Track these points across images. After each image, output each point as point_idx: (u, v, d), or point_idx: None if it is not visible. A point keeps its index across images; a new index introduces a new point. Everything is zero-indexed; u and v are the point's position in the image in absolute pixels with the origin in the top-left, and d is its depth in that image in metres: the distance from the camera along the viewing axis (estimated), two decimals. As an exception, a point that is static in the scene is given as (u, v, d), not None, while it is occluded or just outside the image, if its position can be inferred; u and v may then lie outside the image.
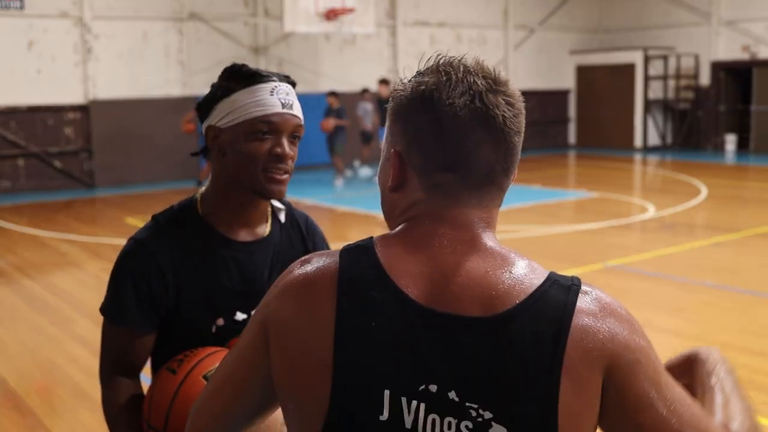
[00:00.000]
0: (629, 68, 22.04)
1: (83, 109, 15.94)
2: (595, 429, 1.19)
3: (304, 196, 13.74)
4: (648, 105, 22.05)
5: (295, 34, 17.54)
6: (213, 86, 2.00)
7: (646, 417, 1.18)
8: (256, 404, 1.36)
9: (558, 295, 1.18)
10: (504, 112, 1.26)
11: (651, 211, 12.20)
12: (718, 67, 21.52)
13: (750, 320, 6.85)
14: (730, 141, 21.23)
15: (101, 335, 2.05)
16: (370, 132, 16.71)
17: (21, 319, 7.26)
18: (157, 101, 16.63)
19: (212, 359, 1.89)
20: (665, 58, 22.09)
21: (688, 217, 11.86)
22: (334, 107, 16.04)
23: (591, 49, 23.29)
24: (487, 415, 1.14)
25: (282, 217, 2.11)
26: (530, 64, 22.58)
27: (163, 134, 16.66)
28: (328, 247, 2.20)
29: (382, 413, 1.17)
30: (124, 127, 16.26)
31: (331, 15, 16.44)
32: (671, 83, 22.36)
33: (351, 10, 16.64)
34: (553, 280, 1.20)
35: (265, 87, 1.93)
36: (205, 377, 1.86)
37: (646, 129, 22.20)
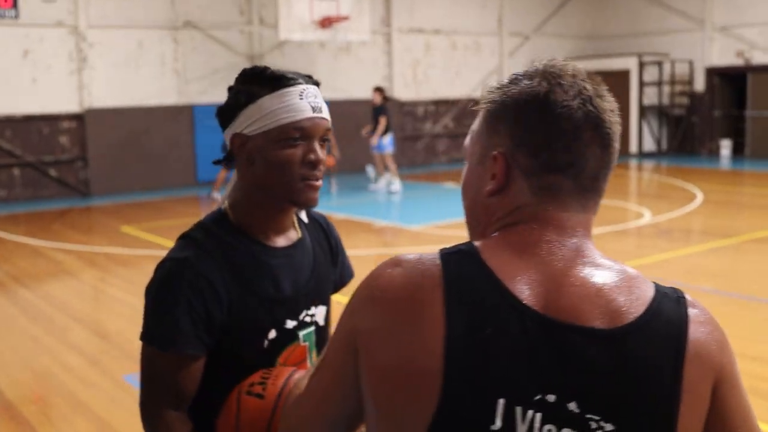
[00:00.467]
0: (624, 74, 22.08)
1: (78, 117, 15.93)
2: None
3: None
4: (643, 111, 22.09)
5: (290, 42, 17.56)
6: (233, 91, 1.93)
7: (746, 428, 1.23)
8: (344, 419, 1.31)
9: (671, 308, 1.20)
10: (610, 117, 1.26)
11: (647, 217, 12.21)
12: (712, 73, 21.57)
13: (747, 325, 6.86)
14: (725, 146, 21.27)
15: (145, 367, 1.85)
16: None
17: (16, 328, 7.24)
18: (152, 110, 16.63)
19: (299, 376, 1.75)
20: (660, 64, 22.14)
21: (684, 223, 11.87)
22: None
23: (586, 56, 23.33)
24: (608, 427, 1.13)
25: (305, 218, 2.07)
26: (525, 70, 22.58)
27: (159, 143, 16.66)
28: (342, 246, 2.17)
29: (494, 422, 1.14)
30: (120, 135, 16.25)
31: (326, 23, 16.46)
32: (666, 89, 22.41)
33: (346, 18, 16.66)
34: (662, 292, 1.22)
35: (293, 90, 1.85)
36: None
37: (642, 135, 22.24)
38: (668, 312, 1.18)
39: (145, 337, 1.83)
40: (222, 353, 1.86)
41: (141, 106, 16.52)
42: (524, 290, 1.17)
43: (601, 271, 1.21)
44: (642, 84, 21.90)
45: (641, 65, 21.83)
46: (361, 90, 18.88)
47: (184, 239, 1.90)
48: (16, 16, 15.17)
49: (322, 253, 2.05)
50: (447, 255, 1.22)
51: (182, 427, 1.82)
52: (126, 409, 5.25)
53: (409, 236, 11.17)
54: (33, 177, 15.66)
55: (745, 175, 18.25)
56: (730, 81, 21.66)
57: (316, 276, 2.01)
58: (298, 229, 2.01)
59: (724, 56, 21.30)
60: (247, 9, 17.82)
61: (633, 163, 20.98)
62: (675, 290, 1.23)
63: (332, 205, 13.99)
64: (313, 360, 1.97)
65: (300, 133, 1.84)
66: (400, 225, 12.25)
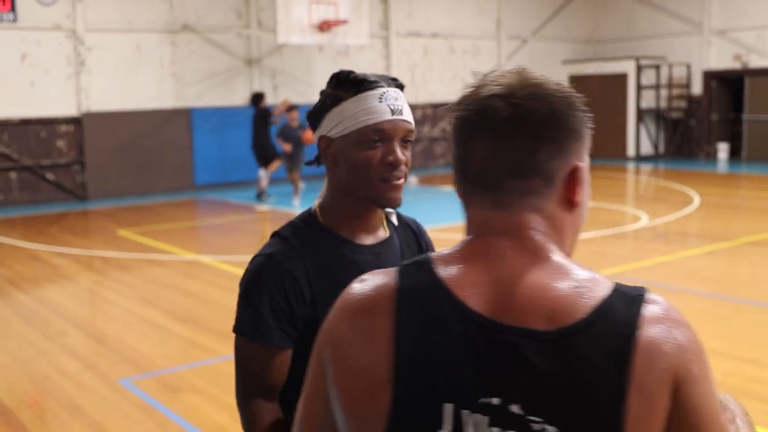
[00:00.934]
0: (622, 78, 22.11)
1: (76, 121, 15.92)
2: None
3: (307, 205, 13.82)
4: (640, 114, 22.11)
5: (288, 46, 17.56)
6: (322, 94, 1.99)
7: (712, 428, 1.16)
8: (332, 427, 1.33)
9: (623, 306, 1.16)
10: (514, 108, 1.23)
11: (644, 220, 12.22)
12: (709, 77, 21.60)
13: (743, 329, 6.86)
14: (723, 150, 21.29)
15: (237, 357, 1.95)
16: None
17: (13, 332, 7.23)
18: (150, 113, 16.63)
19: None
20: (657, 67, 22.17)
21: (681, 226, 11.88)
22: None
23: (583, 59, 23.36)
24: (551, 429, 1.12)
25: (395, 220, 2.11)
26: (523, 74, 22.61)
27: (157, 146, 16.66)
28: (434, 249, 2.17)
29: (442, 427, 1.16)
30: (117, 139, 16.25)
31: (325, 27, 16.47)
32: (663, 92, 22.43)
33: (344, 22, 16.67)
34: (619, 291, 1.19)
35: (374, 94, 1.91)
36: None
37: (639, 138, 22.25)
38: (619, 312, 1.15)
39: (235, 327, 1.94)
40: (308, 347, 1.92)
41: (139, 110, 16.52)
42: (471, 296, 1.18)
43: (549, 272, 1.20)
44: (639, 87, 21.92)
45: (639, 68, 21.85)
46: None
47: (274, 237, 1.99)
48: (14, 19, 15.17)
49: (411, 253, 2.09)
50: (404, 267, 1.26)
51: (269, 415, 1.91)
52: (122, 413, 5.25)
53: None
54: (30, 181, 15.65)
55: (742, 179, 18.27)
56: (728, 85, 21.69)
57: None
58: (387, 229, 2.06)
59: (721, 60, 21.33)
60: (245, 12, 17.82)
61: (630, 166, 21.00)
62: (637, 289, 1.19)
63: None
64: None
65: (379, 135, 1.90)
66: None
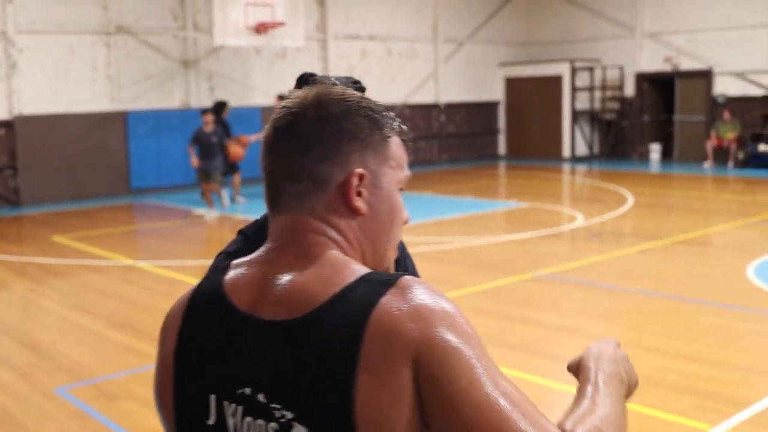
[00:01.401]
0: (557, 80, 22.43)
1: (8, 125, 15.58)
2: (416, 427, 1.13)
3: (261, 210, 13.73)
4: (575, 116, 22.45)
5: (225, 48, 17.43)
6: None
7: (465, 414, 1.09)
8: None
9: (364, 292, 1.16)
10: (281, 123, 1.31)
11: (580, 220, 12.41)
12: (642, 79, 22.03)
13: (676, 324, 7.02)
14: (655, 150, 21.73)
15: None
16: None
17: (-56, 341, 7.06)
18: (84, 116, 16.35)
19: None
20: (591, 69, 22.53)
21: (615, 226, 12.09)
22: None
23: (519, 62, 23.63)
24: (289, 415, 1.16)
25: None
26: (460, 76, 22.82)
27: (92, 150, 16.39)
28: (413, 264, 2.17)
29: (209, 418, 1.25)
30: (51, 143, 15.94)
31: (261, 29, 16.40)
32: (597, 94, 22.81)
33: (281, 24, 16.62)
34: (367, 279, 1.18)
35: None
36: None
37: (574, 139, 22.60)
38: (358, 297, 1.15)
39: None
40: None
41: (72, 113, 16.23)
42: (240, 297, 1.26)
43: (309, 269, 1.23)
44: (574, 89, 22.26)
45: (573, 71, 22.19)
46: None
47: (239, 234, 2.03)
48: (-59, 21, 14.79)
49: None
50: (205, 276, 1.39)
51: None
52: (57, 423, 5.16)
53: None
54: (-40, 186, 15.27)
55: (674, 178, 18.67)
56: (659, 86, 22.16)
57: None
58: None
59: (653, 62, 21.77)
60: (181, 14, 17.65)
61: (566, 167, 21.30)
62: (392, 275, 1.19)
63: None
64: None
65: None
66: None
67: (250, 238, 1.98)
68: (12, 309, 8.31)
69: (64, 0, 16.05)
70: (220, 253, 1.99)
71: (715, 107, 20.54)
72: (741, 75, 20.17)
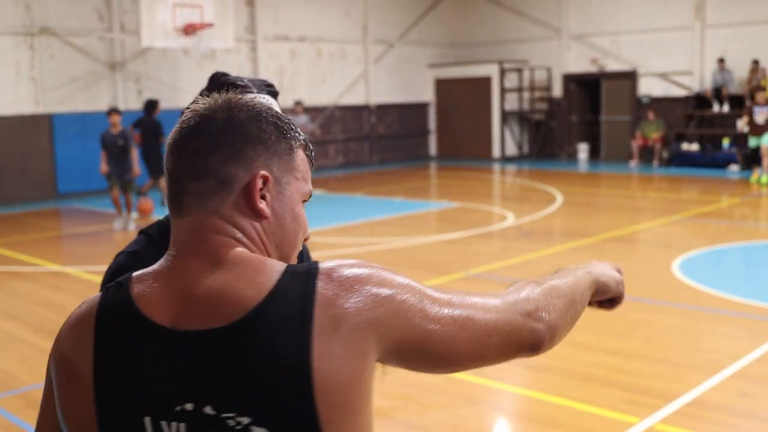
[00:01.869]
0: (486, 81, 22.66)
1: (-73, 128, 15.14)
2: (370, 392, 1.21)
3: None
4: (505, 116, 22.72)
5: (153, 49, 17.21)
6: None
7: (434, 345, 1.24)
8: None
9: (296, 285, 1.19)
10: (188, 123, 1.31)
11: (510, 220, 12.56)
12: (569, 80, 22.41)
13: (605, 321, 7.14)
14: (583, 150, 22.12)
15: None
16: None
17: None
18: (7, 119, 15.97)
19: None
20: (520, 71, 22.83)
21: (545, 224, 12.28)
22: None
23: (449, 63, 23.82)
24: (245, 420, 1.16)
25: None
26: (390, 77, 22.91)
27: (16, 153, 16.01)
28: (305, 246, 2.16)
29: None
30: (-27, 147, 15.53)
31: (190, 30, 16.22)
32: (526, 95, 23.13)
33: (210, 25, 16.47)
34: (290, 272, 1.22)
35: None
36: None
37: (504, 139, 22.86)
38: (292, 291, 1.18)
39: None
40: None
41: (-5, 116, 15.85)
42: (156, 312, 1.22)
43: (225, 271, 1.23)
44: (503, 90, 22.52)
45: (502, 72, 22.45)
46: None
47: (140, 235, 1.98)
48: None
49: None
50: (107, 288, 1.30)
51: None
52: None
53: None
54: None
55: (601, 177, 19.03)
56: (586, 87, 22.57)
57: None
58: None
59: (579, 63, 22.16)
60: (107, 15, 17.35)
61: (496, 167, 21.54)
62: (311, 265, 1.23)
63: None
64: None
65: None
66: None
67: (153, 239, 1.94)
68: (-65, 318, 8.08)
69: (-15, 0, 15.66)
70: (120, 253, 1.94)
71: (639, 107, 21.00)
72: (664, 76, 20.67)
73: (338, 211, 13.66)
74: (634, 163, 20.30)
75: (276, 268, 1.22)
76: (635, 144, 20.36)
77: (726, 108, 19.25)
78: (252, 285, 1.19)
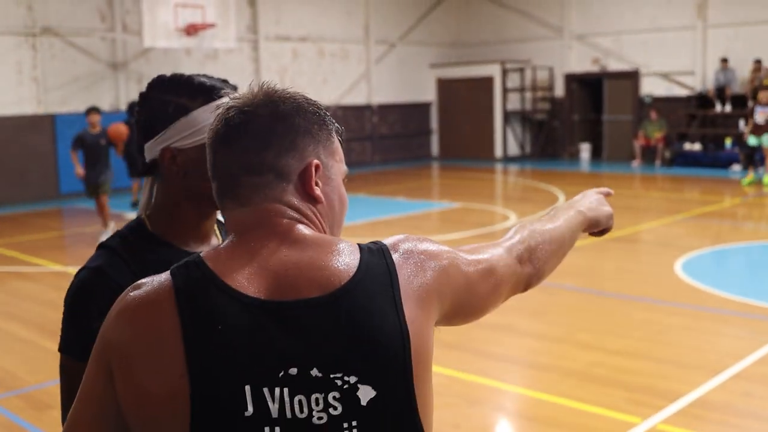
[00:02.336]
0: (488, 81, 22.66)
1: (-71, 129, 15.16)
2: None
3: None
4: (507, 116, 22.71)
5: (155, 50, 17.21)
6: (156, 102, 1.86)
7: (472, 302, 1.47)
8: None
9: (377, 259, 1.35)
10: (234, 121, 1.37)
11: (512, 219, 12.56)
12: (571, 79, 22.39)
13: (607, 320, 7.15)
14: (585, 149, 22.11)
15: (63, 380, 1.80)
16: None
17: None
18: (9, 119, 15.98)
19: None
20: (522, 70, 22.82)
21: (547, 224, 12.24)
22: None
23: (450, 63, 23.81)
24: (352, 379, 1.25)
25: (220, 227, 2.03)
26: (392, 77, 22.90)
27: (18, 154, 16.02)
28: None
29: (246, 409, 1.22)
30: (-25, 147, 15.54)
31: (192, 30, 16.23)
32: (528, 95, 23.11)
33: (212, 25, 16.48)
34: (366, 248, 1.36)
35: (224, 102, 1.79)
36: None
37: (506, 139, 22.86)
38: (377, 265, 1.33)
39: (61, 347, 1.82)
40: None
41: (-3, 116, 15.86)
42: (248, 285, 1.27)
43: (303, 249, 1.32)
44: (505, 90, 22.51)
45: (504, 72, 22.44)
46: (228, 98, 18.69)
47: (101, 248, 1.87)
48: None
49: None
50: (175, 268, 1.31)
51: None
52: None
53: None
54: None
55: (604, 177, 19.01)
56: (588, 87, 22.55)
57: None
58: (219, 236, 2.01)
59: (581, 63, 22.15)
60: (109, 15, 17.36)
61: (498, 167, 21.54)
62: (376, 243, 1.39)
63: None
64: None
65: None
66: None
67: (115, 251, 1.82)
68: (-63, 318, 8.09)
69: (-13, 1, 15.68)
70: (81, 270, 1.83)
71: (642, 107, 20.98)
72: (666, 76, 20.65)
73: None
74: (636, 163, 20.29)
75: (350, 245, 1.36)
76: (637, 144, 20.35)
77: (728, 108, 19.23)
78: (339, 259, 1.31)
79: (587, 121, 22.89)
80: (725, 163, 18.99)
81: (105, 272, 1.79)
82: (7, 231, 12.87)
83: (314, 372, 1.24)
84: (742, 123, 17.30)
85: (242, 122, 1.36)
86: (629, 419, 4.95)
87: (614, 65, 21.48)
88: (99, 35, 17.21)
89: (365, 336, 1.26)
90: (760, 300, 7.58)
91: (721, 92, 19.32)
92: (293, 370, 1.24)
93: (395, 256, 1.37)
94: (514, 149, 23.16)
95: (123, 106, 17.14)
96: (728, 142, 19.19)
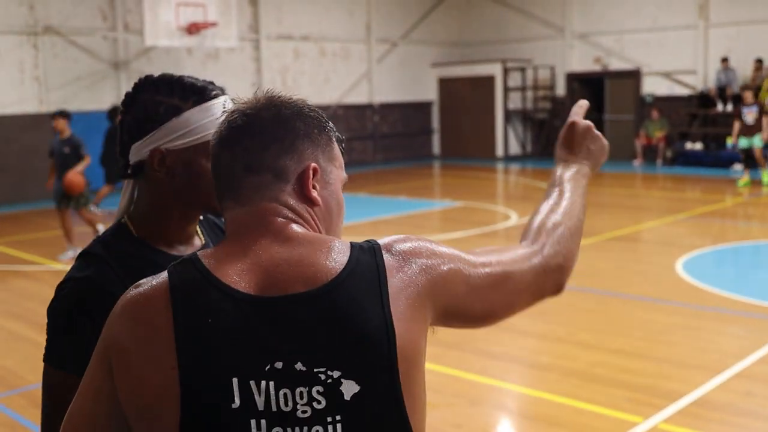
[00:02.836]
0: (489, 80, 22.66)
1: (-69, 128, 15.17)
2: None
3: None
4: (508, 115, 22.71)
5: (156, 48, 17.22)
6: (147, 103, 1.82)
7: (476, 307, 1.44)
8: None
9: (367, 258, 1.36)
10: (237, 122, 1.41)
11: (514, 219, 12.56)
12: (572, 78, 22.39)
13: (609, 320, 7.16)
14: (586, 149, 22.05)
15: (50, 394, 1.72)
16: None
17: None
18: (11, 118, 16.00)
19: None
20: (523, 70, 22.82)
21: (548, 224, 12.24)
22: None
23: (452, 62, 23.81)
24: (336, 374, 1.27)
25: (203, 223, 2.02)
26: (393, 76, 22.90)
27: (20, 153, 16.03)
28: None
29: (234, 401, 1.25)
30: (-23, 146, 15.54)
31: (193, 29, 16.24)
32: (529, 94, 23.11)
33: (213, 24, 16.48)
34: (357, 247, 1.38)
35: (217, 103, 1.83)
36: None
37: (507, 139, 22.86)
38: (366, 263, 1.35)
39: (51, 360, 1.73)
40: None
41: (0, 115, 15.88)
42: (239, 282, 1.31)
43: (294, 247, 1.35)
44: (507, 89, 22.51)
45: (506, 71, 22.44)
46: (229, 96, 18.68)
47: (84, 257, 1.81)
48: None
49: None
50: (172, 266, 1.37)
51: None
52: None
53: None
54: None
55: (605, 176, 18.99)
56: (589, 86, 22.54)
57: None
58: (201, 237, 1.98)
59: (582, 62, 22.14)
60: (110, 15, 17.37)
61: (499, 166, 21.53)
62: (369, 242, 1.40)
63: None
64: None
65: None
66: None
67: (101, 257, 1.77)
68: (-61, 317, 8.10)
69: (-11, 0, 15.69)
70: (65, 282, 1.76)
71: (643, 106, 20.98)
72: (668, 75, 20.65)
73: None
74: (637, 162, 20.28)
75: (341, 243, 1.38)
76: (639, 143, 20.34)
77: (730, 107, 19.21)
78: (328, 256, 1.34)
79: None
80: (726, 163, 18.98)
81: (94, 281, 1.73)
82: (9, 230, 12.88)
83: (299, 366, 1.27)
84: (734, 131, 16.97)
85: (244, 124, 1.40)
86: (630, 419, 4.96)
87: (616, 64, 21.48)
88: (100, 34, 17.22)
89: (350, 332, 1.28)
90: (762, 299, 7.58)
91: (722, 92, 19.31)
92: (279, 364, 1.26)
93: (387, 255, 1.37)
94: (515, 148, 23.16)
95: (124, 105, 17.14)
96: (730, 141, 19.17)
